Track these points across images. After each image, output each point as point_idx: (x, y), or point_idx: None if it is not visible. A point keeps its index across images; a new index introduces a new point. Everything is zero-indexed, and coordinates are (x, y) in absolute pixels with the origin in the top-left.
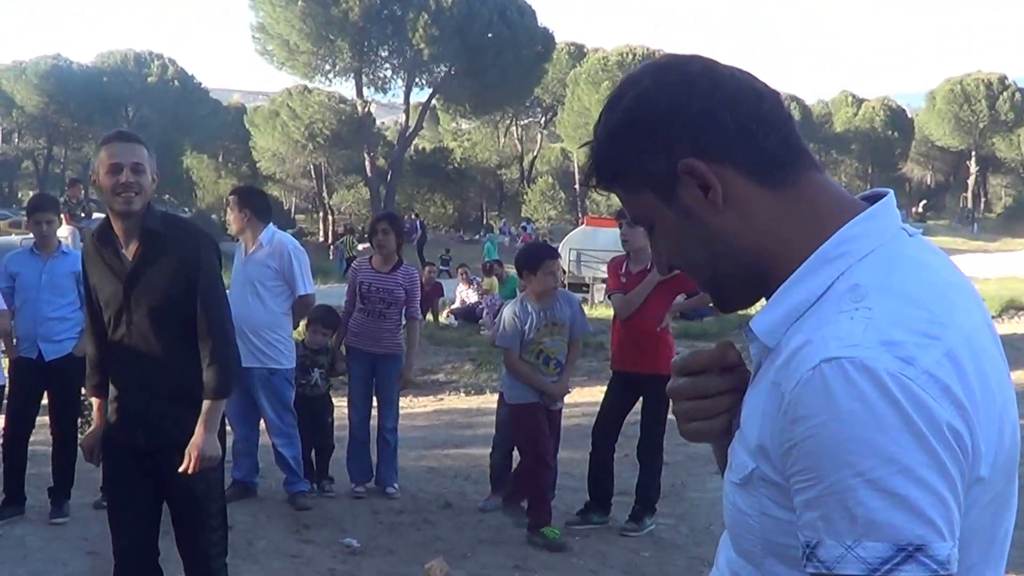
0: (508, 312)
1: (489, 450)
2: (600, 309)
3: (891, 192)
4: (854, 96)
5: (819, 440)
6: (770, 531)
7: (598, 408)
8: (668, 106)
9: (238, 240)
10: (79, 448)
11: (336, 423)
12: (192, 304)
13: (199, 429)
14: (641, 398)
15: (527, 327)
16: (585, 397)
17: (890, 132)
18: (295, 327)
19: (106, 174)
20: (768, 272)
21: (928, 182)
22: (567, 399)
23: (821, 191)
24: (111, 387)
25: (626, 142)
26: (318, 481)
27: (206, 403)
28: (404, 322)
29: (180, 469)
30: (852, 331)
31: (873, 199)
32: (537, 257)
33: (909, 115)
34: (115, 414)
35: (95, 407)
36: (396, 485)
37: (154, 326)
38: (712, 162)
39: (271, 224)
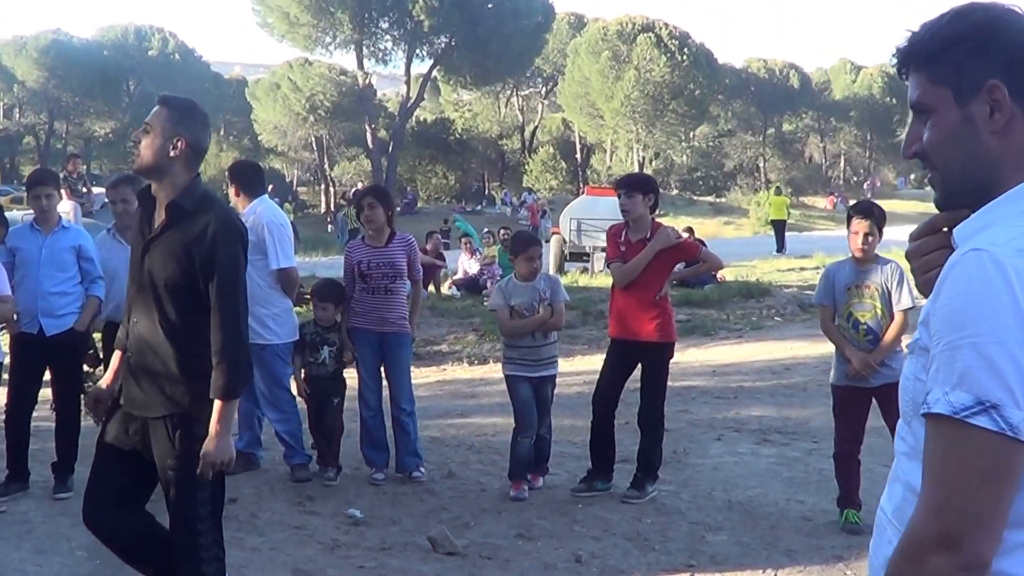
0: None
1: (491, 419)
2: (600, 278)
3: None
4: (852, 63)
5: (950, 308)
6: (919, 393)
7: (597, 376)
8: (1009, 34)
9: None
10: (82, 415)
11: (347, 405)
12: (192, 291)
13: (211, 430)
14: (640, 366)
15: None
16: (586, 365)
17: (888, 99)
18: (293, 303)
19: None
20: (992, 196)
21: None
22: (567, 367)
23: None
24: None
25: (959, 39)
26: (322, 466)
27: (215, 403)
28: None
29: (198, 471)
30: (1001, 235)
31: None
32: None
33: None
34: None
35: (114, 359)
36: (423, 469)
37: (156, 299)
38: (1013, 93)
39: (263, 197)
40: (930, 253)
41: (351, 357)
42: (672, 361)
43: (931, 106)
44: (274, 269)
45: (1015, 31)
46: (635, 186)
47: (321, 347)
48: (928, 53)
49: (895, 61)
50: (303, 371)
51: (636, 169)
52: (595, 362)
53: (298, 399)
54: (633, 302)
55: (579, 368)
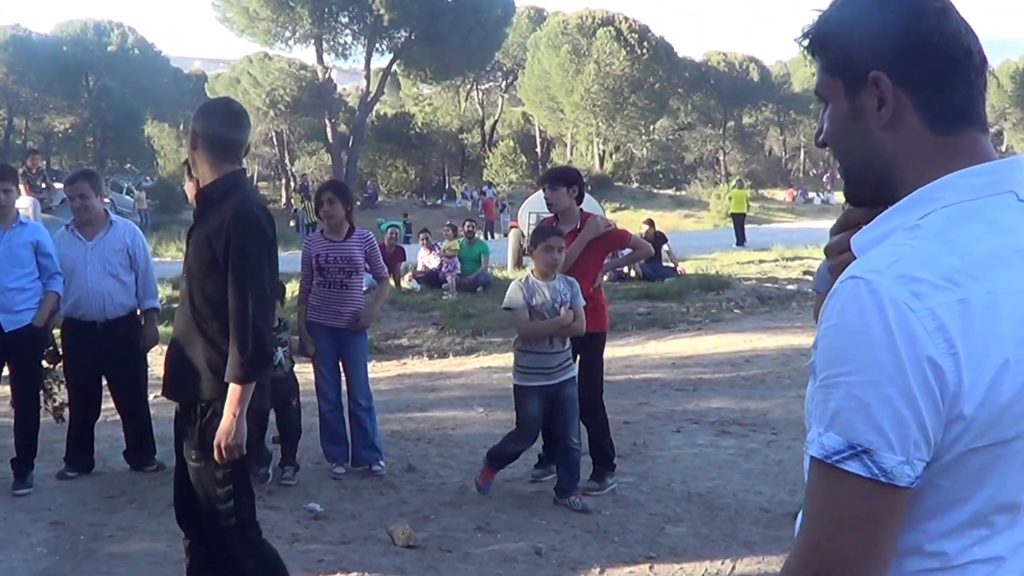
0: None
1: (451, 413)
2: None
3: (1017, 158)
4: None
5: (827, 340)
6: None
7: None
8: (893, 23)
9: None
10: (42, 412)
11: (304, 406)
12: (211, 279)
13: (224, 414)
14: (578, 357)
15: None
16: None
17: None
18: None
19: None
20: (896, 195)
21: None
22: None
23: (972, 149)
24: None
25: (846, 29)
26: (281, 467)
27: (230, 386)
28: (366, 289)
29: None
30: (881, 259)
31: None
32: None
33: None
34: None
35: None
36: (382, 462)
37: (188, 288)
38: (899, 87)
39: None
40: (846, 251)
41: (312, 350)
42: (632, 353)
43: (825, 96)
44: None
45: (905, 17)
46: (558, 179)
47: (276, 349)
48: (820, 40)
49: (802, 43)
50: None
51: (597, 163)
52: None
53: None
54: None
55: None
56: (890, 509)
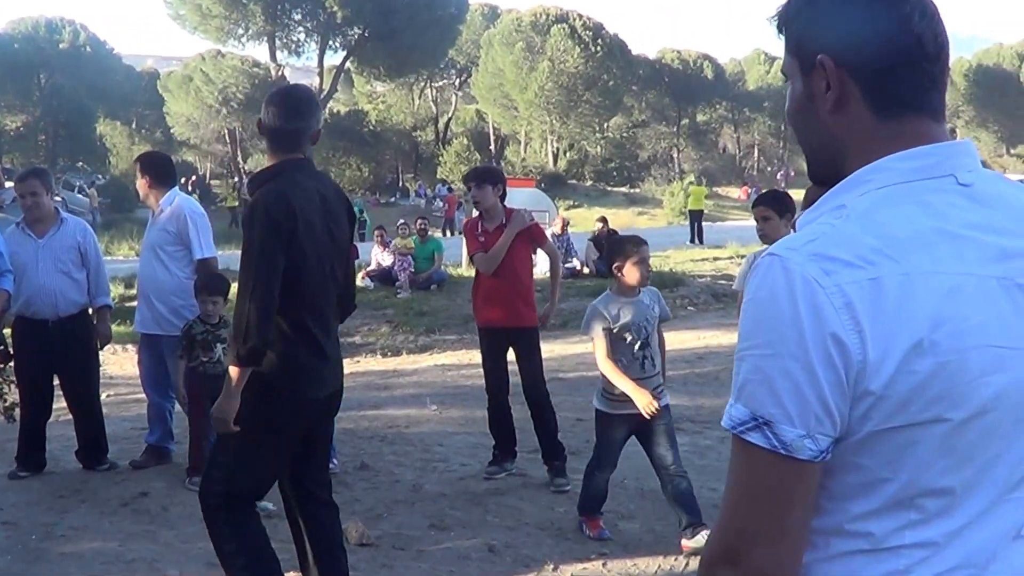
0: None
1: (404, 411)
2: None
3: (963, 141)
4: (766, 54)
5: (743, 315)
6: None
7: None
8: (842, 8)
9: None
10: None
11: None
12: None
13: (222, 392)
14: (513, 351)
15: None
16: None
17: None
18: None
19: None
20: (844, 176)
21: None
22: (470, 359)
23: (917, 134)
24: None
25: (801, 11)
26: None
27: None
28: None
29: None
30: (801, 238)
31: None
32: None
33: None
34: None
35: None
36: (335, 460)
37: None
38: (844, 71)
39: (175, 188)
40: None
41: None
42: (586, 351)
43: (787, 75)
44: (198, 259)
45: (852, 2)
46: (484, 178)
47: (214, 345)
48: (783, 19)
49: (772, 22)
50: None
51: (551, 161)
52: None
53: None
54: (499, 288)
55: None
56: (793, 482)
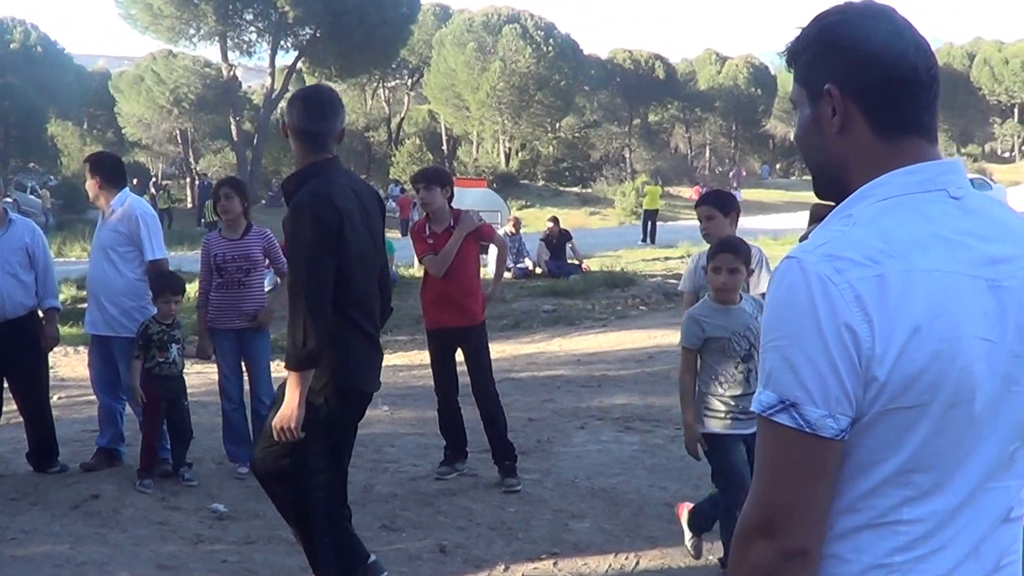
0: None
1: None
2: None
3: (953, 160)
4: (718, 54)
5: (766, 311)
6: None
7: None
8: (849, 39)
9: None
10: None
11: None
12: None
13: (285, 399)
14: (462, 351)
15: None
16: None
17: (753, 89)
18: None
19: None
20: (849, 192)
21: (791, 138)
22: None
23: (913, 153)
24: None
25: (811, 42)
26: (175, 468)
27: (288, 374)
28: (269, 288)
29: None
30: (814, 242)
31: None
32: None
33: (772, 72)
34: None
35: None
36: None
37: None
38: (848, 98)
39: (125, 189)
40: None
41: (211, 352)
42: (537, 351)
43: (796, 102)
44: (149, 260)
45: (854, 36)
46: (433, 179)
47: (170, 345)
48: (792, 52)
49: (783, 57)
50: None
51: (503, 160)
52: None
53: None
54: (449, 290)
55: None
56: (818, 459)
